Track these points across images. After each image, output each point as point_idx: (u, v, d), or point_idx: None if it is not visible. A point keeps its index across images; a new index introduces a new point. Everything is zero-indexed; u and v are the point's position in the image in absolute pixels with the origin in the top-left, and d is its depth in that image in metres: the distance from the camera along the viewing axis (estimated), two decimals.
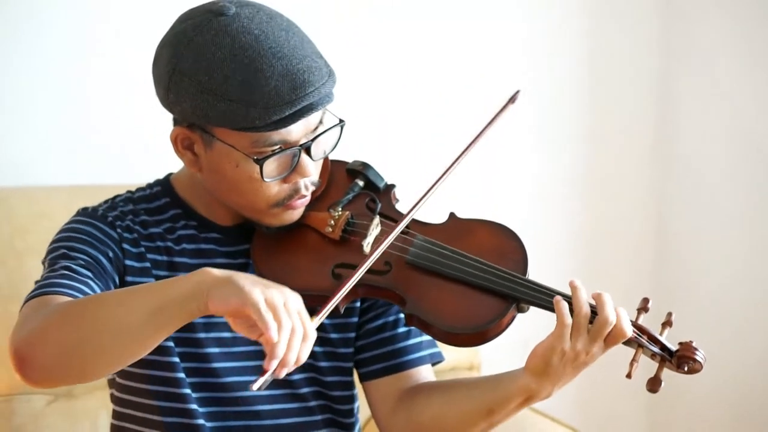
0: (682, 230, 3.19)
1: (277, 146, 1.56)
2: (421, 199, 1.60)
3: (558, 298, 1.54)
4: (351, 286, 1.48)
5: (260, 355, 1.67)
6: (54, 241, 1.62)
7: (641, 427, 3.31)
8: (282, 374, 1.35)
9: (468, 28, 2.92)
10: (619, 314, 1.54)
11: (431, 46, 2.86)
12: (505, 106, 1.65)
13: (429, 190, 1.60)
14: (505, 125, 2.89)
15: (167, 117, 1.65)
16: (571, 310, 1.54)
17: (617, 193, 3.18)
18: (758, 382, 3.05)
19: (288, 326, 1.34)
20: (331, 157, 1.70)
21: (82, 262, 1.57)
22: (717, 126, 3.08)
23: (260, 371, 1.65)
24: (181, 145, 1.61)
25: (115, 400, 1.73)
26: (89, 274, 1.56)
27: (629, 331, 1.53)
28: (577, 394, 3.20)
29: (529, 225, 3.04)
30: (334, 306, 1.46)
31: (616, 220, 3.19)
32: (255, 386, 1.34)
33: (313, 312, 1.43)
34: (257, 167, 1.56)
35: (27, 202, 2.28)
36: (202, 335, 1.66)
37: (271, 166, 1.57)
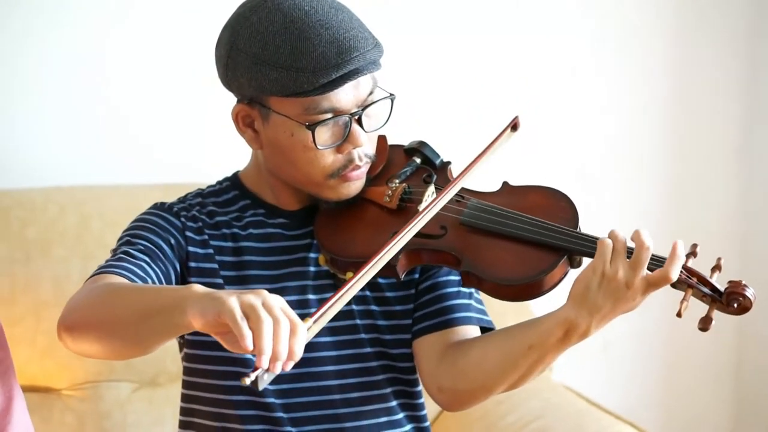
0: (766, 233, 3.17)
1: (329, 114, 1.63)
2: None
3: (600, 237, 1.58)
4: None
5: (338, 329, 1.75)
6: (124, 231, 1.73)
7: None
8: (276, 369, 1.33)
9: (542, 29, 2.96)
10: (673, 256, 1.55)
11: (484, 36, 2.91)
12: (502, 132, 1.71)
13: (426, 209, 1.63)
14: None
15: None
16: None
17: (702, 200, 3.18)
18: None
19: (269, 321, 1.32)
20: (390, 141, 1.77)
21: (141, 248, 1.67)
22: None
23: (336, 346, 1.72)
24: (242, 122, 1.70)
25: (185, 383, 1.80)
26: (146, 258, 1.65)
27: (675, 273, 1.54)
28: (658, 400, 3.20)
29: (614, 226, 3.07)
30: (335, 306, 1.44)
31: (701, 227, 3.18)
32: (247, 380, 1.30)
33: None
34: (310, 134, 1.63)
35: (119, 199, 2.39)
36: None
37: (324, 134, 1.64)
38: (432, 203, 1.62)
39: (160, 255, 1.69)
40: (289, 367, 1.35)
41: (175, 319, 1.39)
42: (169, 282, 1.69)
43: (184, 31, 2.62)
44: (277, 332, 1.32)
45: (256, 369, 1.31)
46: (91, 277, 1.62)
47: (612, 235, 1.57)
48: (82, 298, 1.55)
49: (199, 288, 1.39)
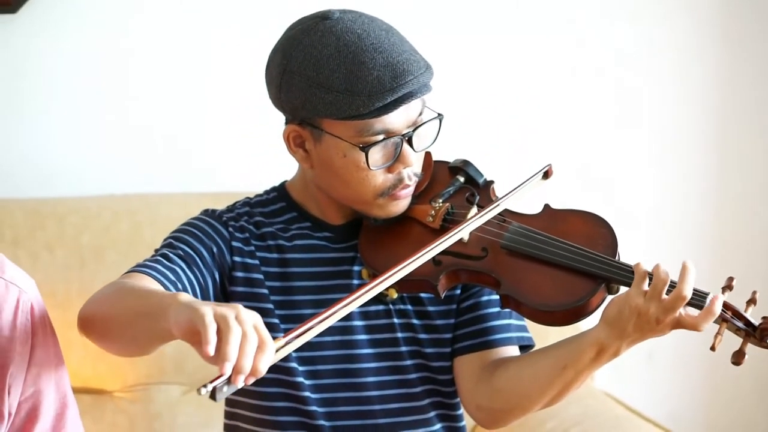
0: None
1: (381, 135, 1.66)
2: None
3: (639, 262, 1.59)
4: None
5: (378, 342, 1.78)
6: (171, 232, 1.76)
7: None
8: (239, 382, 1.31)
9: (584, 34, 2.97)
10: (711, 309, 1.56)
11: (541, 50, 2.92)
12: (532, 177, 1.73)
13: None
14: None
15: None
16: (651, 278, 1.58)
17: (748, 212, 3.17)
18: None
19: (237, 332, 1.31)
20: (435, 158, 1.80)
21: (181, 253, 1.70)
22: None
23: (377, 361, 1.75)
24: (294, 143, 1.72)
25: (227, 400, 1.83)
26: (182, 264, 1.68)
27: (703, 327, 1.57)
28: (702, 412, 3.19)
29: (652, 237, 3.08)
30: (312, 330, 1.44)
31: (746, 240, 3.18)
32: (204, 390, 1.28)
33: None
34: (363, 155, 1.66)
35: (170, 207, 2.45)
36: None
37: (376, 154, 1.67)
38: (475, 217, 1.65)
39: (199, 262, 1.71)
40: (249, 383, 1.33)
41: (160, 325, 1.41)
42: (205, 290, 1.71)
43: (231, 39, 2.67)
44: (243, 345, 1.31)
45: (217, 378, 1.29)
46: (125, 274, 1.65)
47: (655, 272, 1.58)
48: (100, 293, 1.59)
49: (183, 296, 1.40)
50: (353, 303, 1.50)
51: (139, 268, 1.65)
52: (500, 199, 1.71)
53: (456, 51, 2.84)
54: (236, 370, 1.31)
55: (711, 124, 3.09)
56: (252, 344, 1.32)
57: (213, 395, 1.29)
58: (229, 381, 1.30)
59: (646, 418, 2.45)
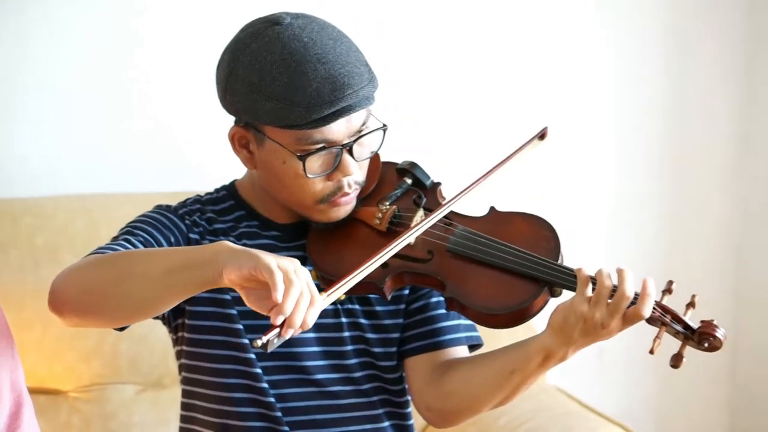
0: (761, 250, 3.20)
1: (320, 144, 1.68)
2: (457, 196, 1.69)
3: (581, 267, 1.61)
4: (367, 270, 1.55)
5: (325, 340, 1.80)
6: (126, 223, 1.77)
7: None
8: (288, 335, 1.41)
9: (531, 29, 2.99)
10: (644, 296, 1.58)
11: (487, 47, 2.94)
12: (531, 141, 1.74)
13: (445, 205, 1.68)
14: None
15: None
16: (594, 283, 1.60)
17: (697, 217, 3.21)
18: None
19: (298, 287, 1.41)
20: (384, 158, 1.81)
21: (141, 239, 1.70)
22: None
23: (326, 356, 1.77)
24: (238, 143, 1.74)
25: (183, 379, 1.86)
26: (144, 249, 1.68)
27: (647, 312, 1.58)
28: (652, 406, 3.23)
29: (610, 242, 3.11)
30: (346, 285, 1.52)
31: (696, 244, 3.22)
32: (259, 342, 1.38)
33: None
34: (301, 163, 1.68)
35: (126, 207, 2.40)
36: None
37: (314, 163, 1.69)
38: (423, 222, 1.66)
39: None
40: (296, 335, 1.42)
41: (204, 274, 1.46)
42: None
43: (194, 39, 2.68)
44: (300, 301, 1.41)
45: (270, 330, 1.39)
46: (89, 255, 1.64)
47: (598, 277, 1.60)
48: (82, 266, 1.58)
49: (230, 244, 1.47)
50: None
51: (105, 249, 1.64)
52: (494, 166, 1.70)
53: (418, 53, 2.86)
54: (288, 324, 1.41)
55: (662, 134, 3.14)
56: (306, 300, 1.42)
57: (265, 347, 1.39)
58: (279, 334, 1.40)
59: (597, 413, 2.48)
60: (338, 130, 1.68)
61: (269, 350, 1.41)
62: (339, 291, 1.51)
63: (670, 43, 3.09)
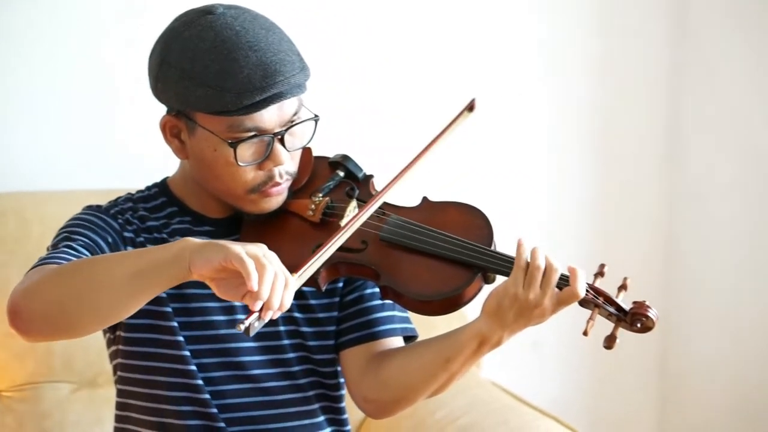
0: (690, 237, 3.24)
1: (252, 132, 1.69)
2: (389, 185, 1.70)
3: (520, 241, 1.64)
4: (329, 252, 1.58)
5: (262, 336, 1.78)
6: (59, 229, 1.76)
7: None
8: (267, 317, 1.44)
9: (461, 22, 3.00)
10: (575, 274, 1.62)
11: (409, 24, 2.94)
12: (460, 114, 1.75)
13: (381, 192, 1.69)
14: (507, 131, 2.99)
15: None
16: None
17: (628, 202, 3.25)
18: (765, 385, 3.09)
19: (271, 271, 1.43)
20: (316, 153, 1.83)
21: (82, 243, 1.70)
22: (726, 137, 3.14)
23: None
24: (170, 132, 1.75)
25: (118, 379, 1.85)
26: (87, 253, 1.69)
27: (582, 291, 1.62)
28: (586, 398, 3.26)
29: (543, 227, 3.14)
30: (312, 267, 1.55)
31: (626, 230, 3.26)
32: (242, 326, 1.41)
33: None
34: (232, 151, 1.69)
35: (58, 204, 2.36)
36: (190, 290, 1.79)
37: (246, 151, 1.70)
38: (360, 213, 1.67)
39: (99, 252, 1.71)
40: (276, 317, 1.45)
41: (173, 272, 1.48)
42: None
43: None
44: (275, 283, 1.43)
45: (249, 315, 1.42)
46: (33, 268, 1.62)
47: (531, 256, 1.63)
48: (41, 281, 1.56)
49: (194, 239, 1.49)
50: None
51: (50, 259, 1.63)
52: (427, 144, 1.71)
53: (356, 47, 2.87)
54: (267, 307, 1.43)
55: (594, 125, 3.17)
56: (281, 282, 1.44)
57: (247, 331, 1.42)
58: (259, 317, 1.43)
59: (532, 406, 2.51)
60: (269, 118, 1.69)
61: (251, 334, 1.43)
62: (309, 271, 1.54)
63: (605, 19, 3.12)
